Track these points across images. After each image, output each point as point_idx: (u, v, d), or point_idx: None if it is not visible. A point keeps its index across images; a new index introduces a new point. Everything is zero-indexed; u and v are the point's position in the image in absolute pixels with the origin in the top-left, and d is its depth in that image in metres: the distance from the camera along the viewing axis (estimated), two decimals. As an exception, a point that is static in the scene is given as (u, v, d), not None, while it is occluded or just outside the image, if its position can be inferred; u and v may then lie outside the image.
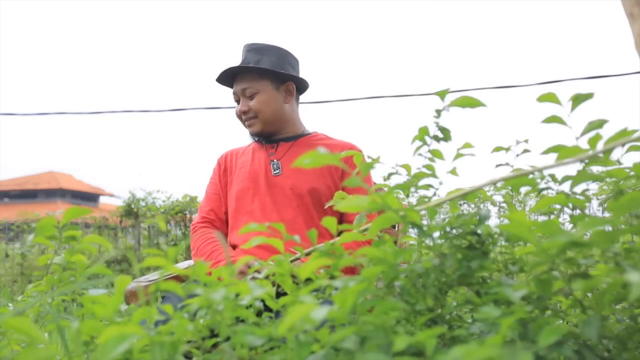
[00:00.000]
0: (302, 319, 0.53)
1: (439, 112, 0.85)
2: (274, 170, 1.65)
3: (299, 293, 0.69)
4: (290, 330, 0.59)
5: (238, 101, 1.71)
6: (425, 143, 0.86)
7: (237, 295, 0.69)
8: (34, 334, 0.60)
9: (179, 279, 1.50)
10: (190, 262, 1.69)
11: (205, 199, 1.75)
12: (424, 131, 0.85)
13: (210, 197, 1.73)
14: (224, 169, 1.75)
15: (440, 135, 0.86)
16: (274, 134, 1.72)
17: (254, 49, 1.69)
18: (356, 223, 0.83)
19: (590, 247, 0.65)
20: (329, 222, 0.83)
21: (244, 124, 1.72)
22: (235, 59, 1.76)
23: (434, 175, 0.86)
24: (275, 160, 1.67)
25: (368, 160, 1.02)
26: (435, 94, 0.84)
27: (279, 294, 0.87)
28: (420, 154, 0.87)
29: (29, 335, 0.60)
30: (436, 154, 0.87)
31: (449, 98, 0.85)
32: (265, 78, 1.67)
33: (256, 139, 1.76)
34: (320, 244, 0.89)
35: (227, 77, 1.71)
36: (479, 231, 0.74)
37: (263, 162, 1.68)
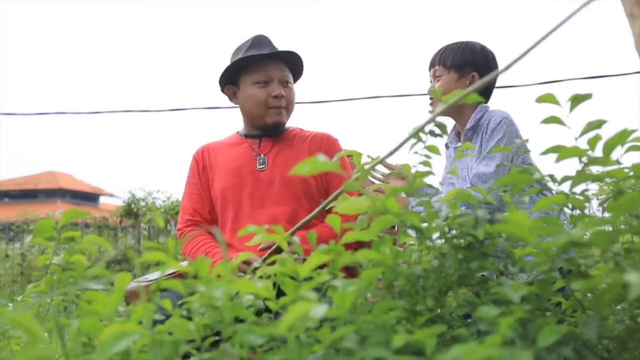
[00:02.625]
0: (302, 317, 0.53)
1: (431, 111, 0.85)
2: (259, 165, 1.63)
3: (300, 290, 0.69)
4: (291, 330, 0.59)
5: (263, 84, 1.63)
6: (420, 140, 0.86)
7: (237, 293, 0.69)
8: (34, 330, 0.60)
9: (178, 278, 1.50)
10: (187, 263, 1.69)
11: (187, 200, 1.68)
12: (419, 128, 0.86)
13: (192, 198, 1.68)
14: (203, 166, 1.69)
15: (437, 131, 0.86)
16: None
17: (274, 45, 1.67)
18: (358, 223, 0.83)
19: (590, 247, 0.65)
20: (333, 221, 0.83)
21: (267, 109, 1.63)
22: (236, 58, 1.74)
23: (431, 173, 0.86)
24: (262, 155, 1.65)
25: (366, 159, 1.02)
26: (430, 93, 0.84)
27: (279, 294, 0.87)
28: (416, 152, 0.87)
29: (29, 332, 0.60)
30: (432, 150, 0.87)
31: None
32: (290, 72, 1.68)
33: (243, 134, 1.72)
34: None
35: (246, 59, 1.63)
36: (476, 234, 0.74)
37: (247, 158, 1.65)
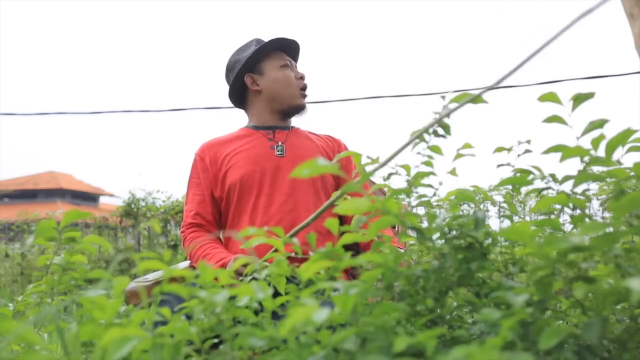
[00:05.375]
0: (303, 322, 0.53)
1: (438, 112, 0.85)
2: (277, 152, 1.64)
3: (301, 295, 0.69)
4: (291, 332, 0.59)
5: (285, 67, 1.72)
6: (423, 140, 0.86)
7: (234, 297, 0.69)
8: (36, 342, 0.60)
9: (177, 278, 1.49)
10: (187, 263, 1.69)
11: (190, 202, 1.67)
12: (423, 129, 0.86)
13: (195, 199, 1.66)
14: (210, 161, 1.67)
15: (440, 131, 0.86)
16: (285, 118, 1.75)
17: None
18: (354, 224, 0.83)
19: (591, 250, 0.65)
20: (331, 224, 0.83)
21: (297, 89, 1.71)
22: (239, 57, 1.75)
23: (433, 173, 0.86)
24: (279, 142, 1.66)
25: (366, 159, 1.02)
26: (437, 94, 0.85)
27: (275, 294, 0.87)
28: (419, 153, 0.87)
29: (28, 341, 0.60)
30: (435, 150, 0.87)
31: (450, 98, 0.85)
32: None
33: (253, 126, 1.73)
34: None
35: (265, 46, 1.70)
36: (476, 234, 0.74)
37: (263, 146, 1.66)
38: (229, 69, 1.76)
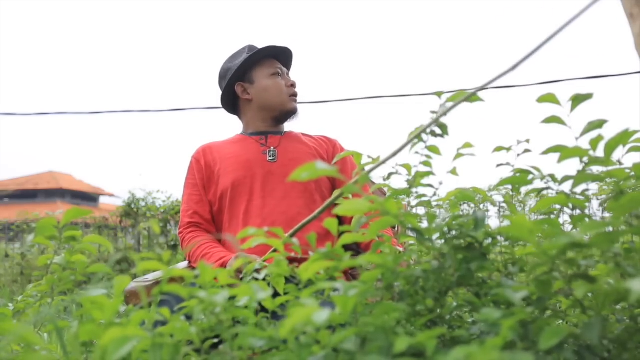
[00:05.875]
0: (303, 322, 0.53)
1: (434, 112, 0.85)
2: (269, 157, 1.64)
3: (301, 295, 0.69)
4: (291, 332, 0.59)
5: (275, 75, 1.73)
6: (421, 140, 0.86)
7: (234, 297, 0.69)
8: (35, 342, 0.60)
9: (177, 278, 1.49)
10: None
11: (187, 202, 1.68)
12: (420, 128, 0.86)
13: (192, 199, 1.67)
14: (205, 163, 1.68)
15: (438, 131, 0.86)
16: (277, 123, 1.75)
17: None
18: (354, 224, 0.83)
19: (590, 247, 0.65)
20: (330, 224, 0.83)
21: (284, 97, 1.71)
22: (239, 57, 1.75)
23: (432, 173, 0.86)
24: (271, 147, 1.67)
25: (367, 160, 1.02)
26: (433, 93, 0.85)
27: (275, 294, 0.87)
28: (417, 152, 0.87)
29: (28, 341, 0.60)
30: (433, 150, 0.87)
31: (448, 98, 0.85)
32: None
33: (247, 133, 1.75)
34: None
35: (255, 54, 1.71)
36: (475, 234, 0.74)
37: (255, 151, 1.66)
38: (221, 77, 1.78)
